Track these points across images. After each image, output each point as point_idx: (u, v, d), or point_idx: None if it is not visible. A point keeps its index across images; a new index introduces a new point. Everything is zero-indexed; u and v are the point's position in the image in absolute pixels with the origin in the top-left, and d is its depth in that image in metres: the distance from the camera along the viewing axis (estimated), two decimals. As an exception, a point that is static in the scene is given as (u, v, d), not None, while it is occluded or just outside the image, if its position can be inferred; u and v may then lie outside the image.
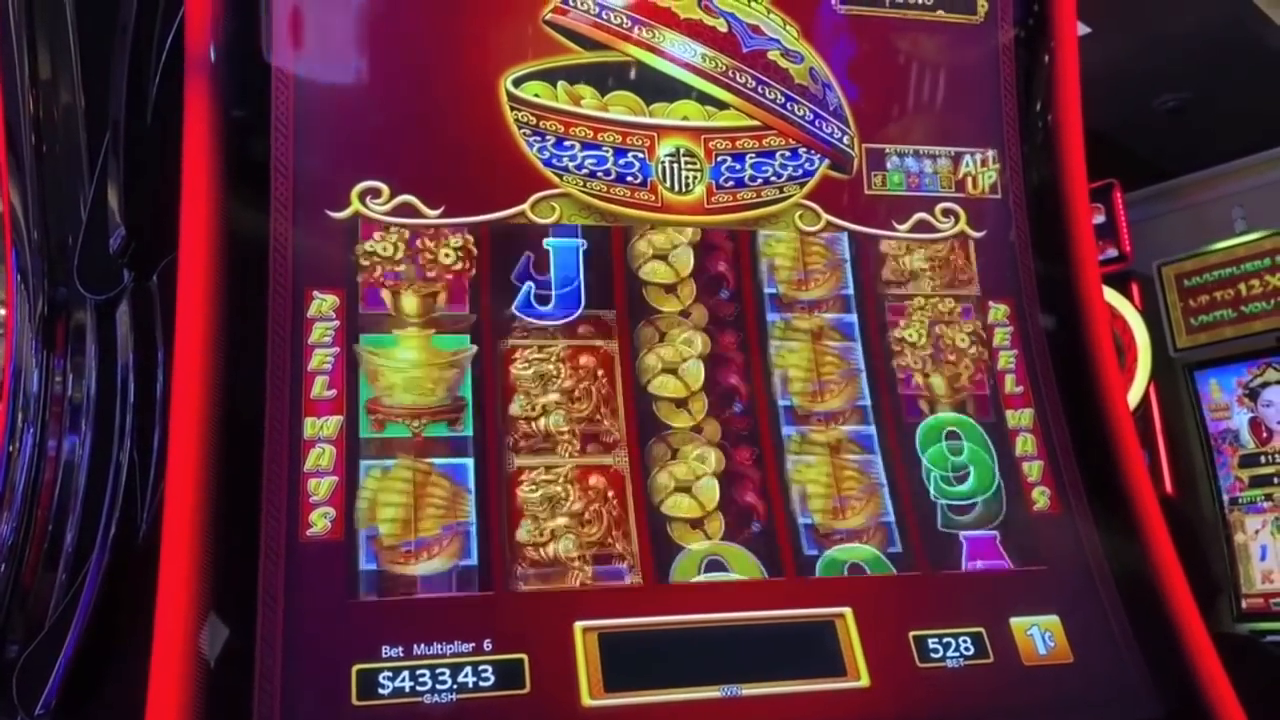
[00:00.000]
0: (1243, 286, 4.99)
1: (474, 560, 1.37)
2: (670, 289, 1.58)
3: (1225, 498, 4.89)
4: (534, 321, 1.50)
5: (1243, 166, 5.35)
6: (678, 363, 1.54)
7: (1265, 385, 4.90)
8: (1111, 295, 4.93)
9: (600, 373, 1.51)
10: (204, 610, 1.22)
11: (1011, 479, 1.61)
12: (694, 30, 1.64)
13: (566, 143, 1.57)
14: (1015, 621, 1.48)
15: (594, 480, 1.44)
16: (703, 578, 1.43)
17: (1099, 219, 5.04)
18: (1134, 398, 4.92)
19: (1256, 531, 4.80)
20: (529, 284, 1.51)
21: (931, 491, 1.58)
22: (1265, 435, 4.88)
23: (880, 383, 1.62)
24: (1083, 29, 4.41)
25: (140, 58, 1.59)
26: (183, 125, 1.41)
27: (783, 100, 1.66)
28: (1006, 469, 1.62)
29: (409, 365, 1.44)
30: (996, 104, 1.81)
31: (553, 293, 1.52)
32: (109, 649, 1.40)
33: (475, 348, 1.47)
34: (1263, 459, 4.85)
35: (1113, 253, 5.11)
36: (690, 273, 1.59)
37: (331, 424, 1.38)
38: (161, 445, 1.41)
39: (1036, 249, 1.75)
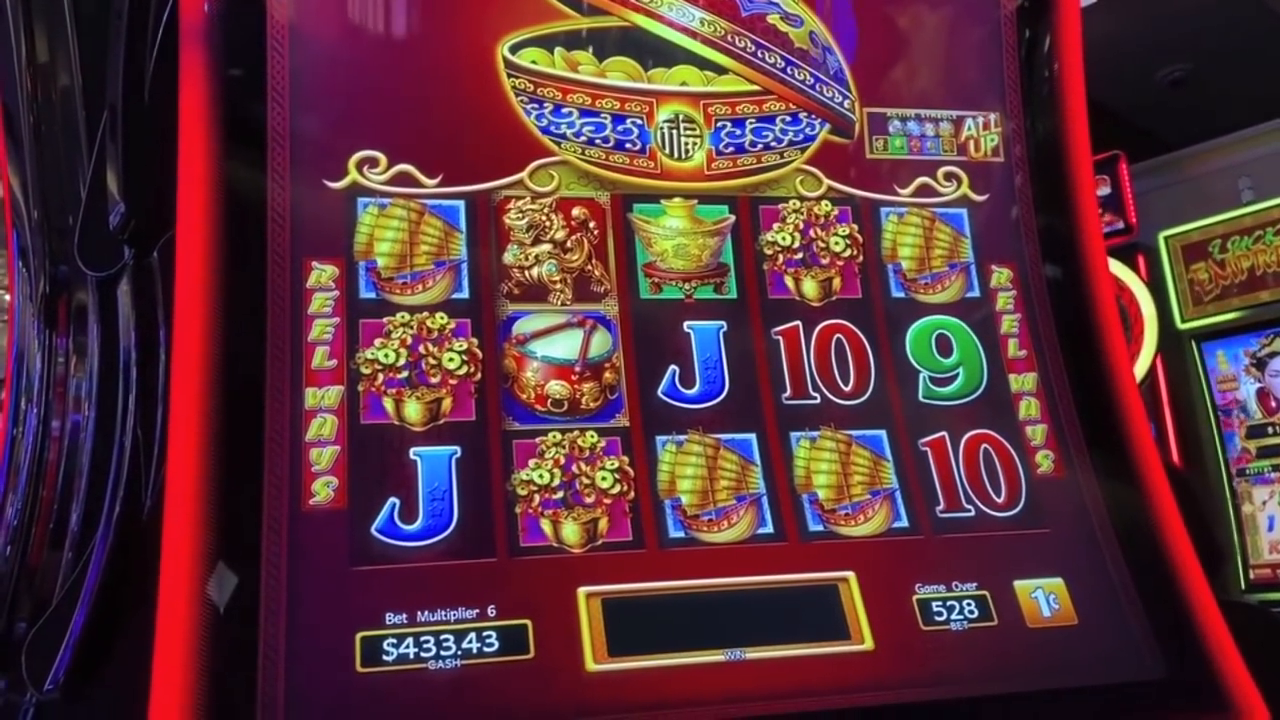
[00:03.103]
0: (1250, 257, 4.96)
1: (465, 294, 1.46)
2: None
3: (1232, 469, 4.88)
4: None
5: (1248, 137, 5.30)
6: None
7: (1273, 355, 4.88)
8: (1117, 267, 4.90)
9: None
10: (207, 581, 1.22)
11: (1015, 442, 1.61)
12: (691, -7, 1.63)
13: (564, 109, 1.56)
14: (1019, 584, 1.48)
15: None
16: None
17: (1104, 191, 5.02)
18: (1140, 369, 4.90)
19: (1264, 502, 4.78)
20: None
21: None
22: (1273, 406, 4.86)
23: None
24: (1086, 0, 4.38)
25: (136, 37, 1.58)
26: (179, 101, 1.41)
27: (782, 64, 1.65)
28: (1011, 433, 1.62)
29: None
30: (998, 67, 1.79)
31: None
32: (115, 624, 1.41)
33: None
34: (1270, 429, 4.84)
35: (1118, 225, 5.08)
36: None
37: (333, 394, 1.37)
38: (164, 422, 1.41)
39: (1039, 212, 1.74)
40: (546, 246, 1.52)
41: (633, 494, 1.42)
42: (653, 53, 1.61)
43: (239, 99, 1.44)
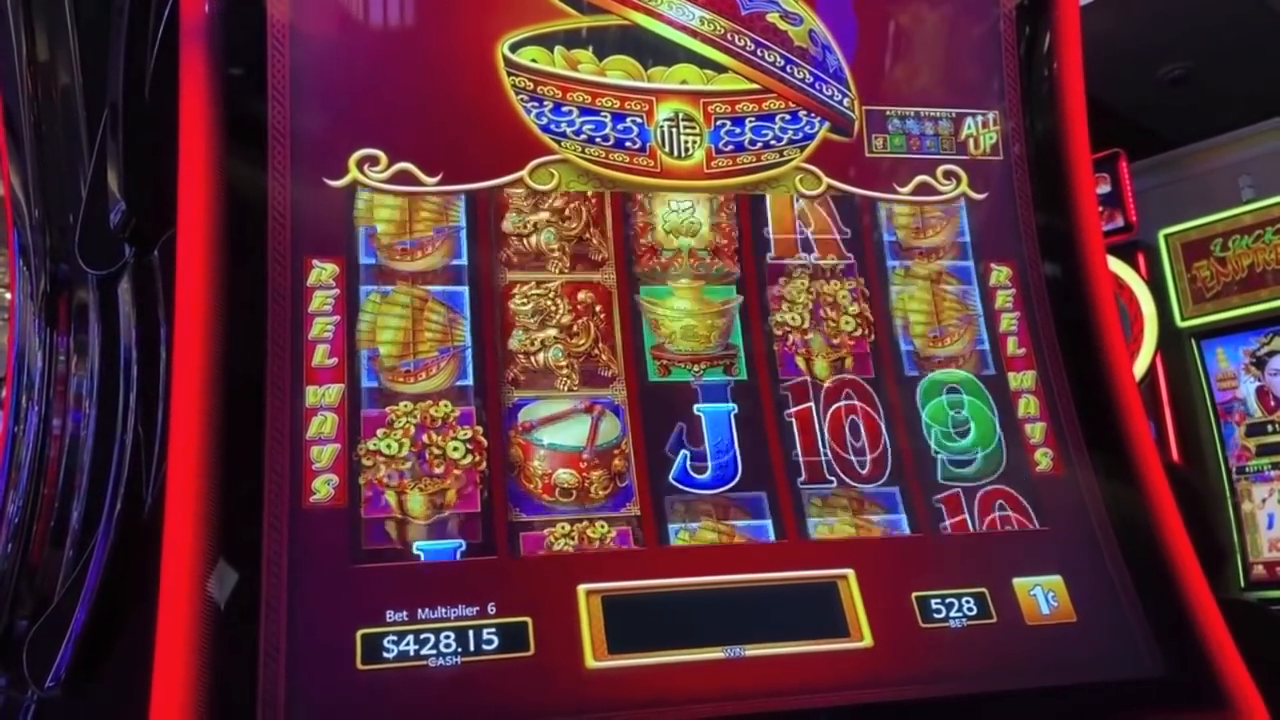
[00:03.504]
0: (1250, 255, 4.96)
1: (469, 380, 1.42)
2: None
3: (1232, 467, 4.88)
4: None
5: (1249, 135, 5.31)
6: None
7: (1272, 354, 4.88)
8: (1117, 265, 4.91)
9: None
10: (208, 579, 1.23)
11: (1014, 440, 1.61)
12: (691, -8, 1.63)
13: (564, 108, 1.56)
14: (1018, 582, 1.48)
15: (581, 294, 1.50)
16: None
17: (1104, 189, 5.02)
18: (1140, 368, 4.90)
19: (1264, 500, 4.79)
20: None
21: (932, 447, 1.58)
22: (1272, 404, 4.86)
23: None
24: (1086, -2, 4.37)
25: (136, 35, 1.58)
26: (179, 100, 1.41)
27: (782, 63, 1.65)
28: (1009, 430, 1.62)
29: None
30: (998, 65, 1.80)
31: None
32: (116, 622, 1.41)
33: None
34: (1270, 428, 4.84)
35: (1118, 222, 5.08)
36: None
37: (333, 392, 1.38)
38: (165, 420, 1.41)
39: (1038, 210, 1.75)
40: (552, 331, 1.49)
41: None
42: (652, 51, 1.61)
43: (239, 97, 1.44)
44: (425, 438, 1.39)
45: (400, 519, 1.35)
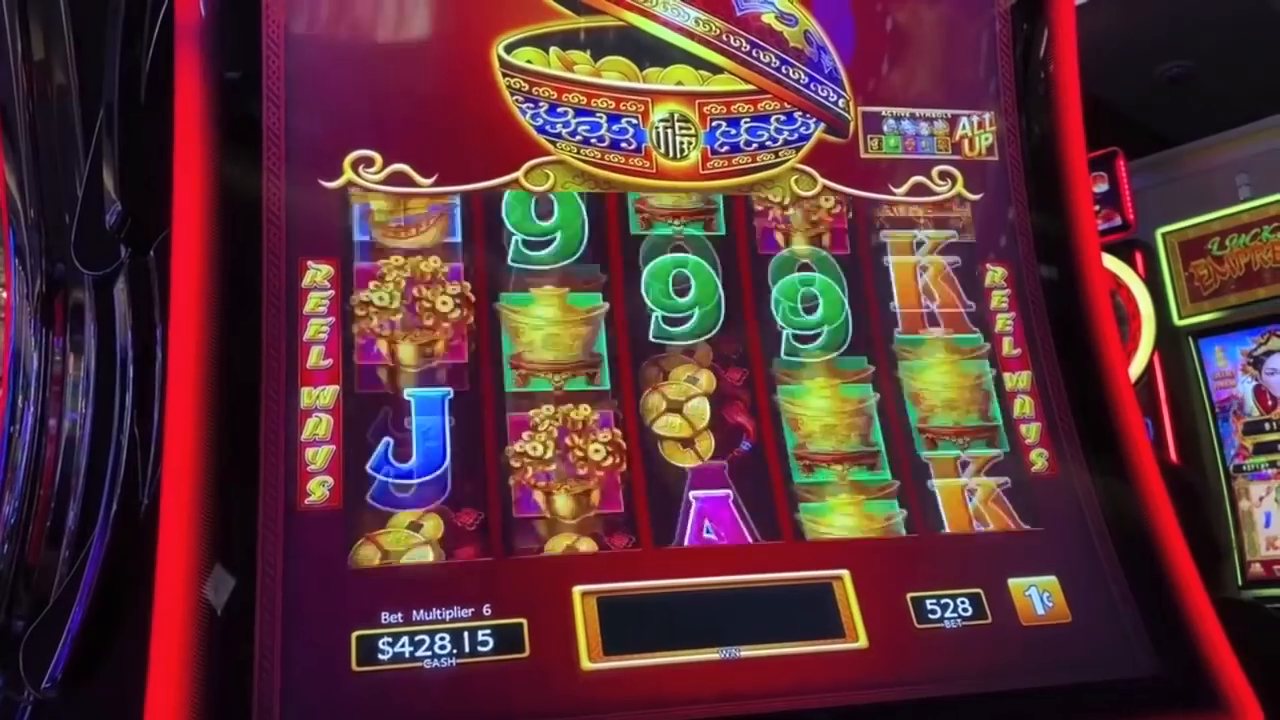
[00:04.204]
0: (1247, 254, 4.96)
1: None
2: None
3: (1230, 465, 4.88)
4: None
5: (1247, 133, 5.30)
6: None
7: (1270, 353, 4.89)
8: (1115, 264, 4.91)
9: None
10: (203, 581, 1.23)
11: (1010, 441, 1.61)
12: (687, -7, 1.63)
13: (559, 109, 1.56)
14: (1013, 582, 1.48)
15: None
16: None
17: (1102, 187, 5.02)
18: (1138, 367, 4.90)
19: (1261, 498, 4.79)
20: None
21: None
22: (1270, 403, 4.87)
23: None
24: (1083, -4, 4.37)
25: (132, 35, 1.58)
26: (175, 100, 1.41)
27: (777, 64, 1.65)
28: (1006, 429, 1.62)
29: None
30: (993, 65, 1.80)
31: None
32: (112, 623, 1.41)
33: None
34: (1267, 426, 4.84)
35: (1116, 221, 5.08)
36: None
37: (328, 393, 1.38)
38: (161, 421, 1.41)
39: (1034, 211, 1.75)
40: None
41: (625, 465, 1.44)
42: (648, 52, 1.61)
43: (234, 98, 1.44)
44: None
45: None
